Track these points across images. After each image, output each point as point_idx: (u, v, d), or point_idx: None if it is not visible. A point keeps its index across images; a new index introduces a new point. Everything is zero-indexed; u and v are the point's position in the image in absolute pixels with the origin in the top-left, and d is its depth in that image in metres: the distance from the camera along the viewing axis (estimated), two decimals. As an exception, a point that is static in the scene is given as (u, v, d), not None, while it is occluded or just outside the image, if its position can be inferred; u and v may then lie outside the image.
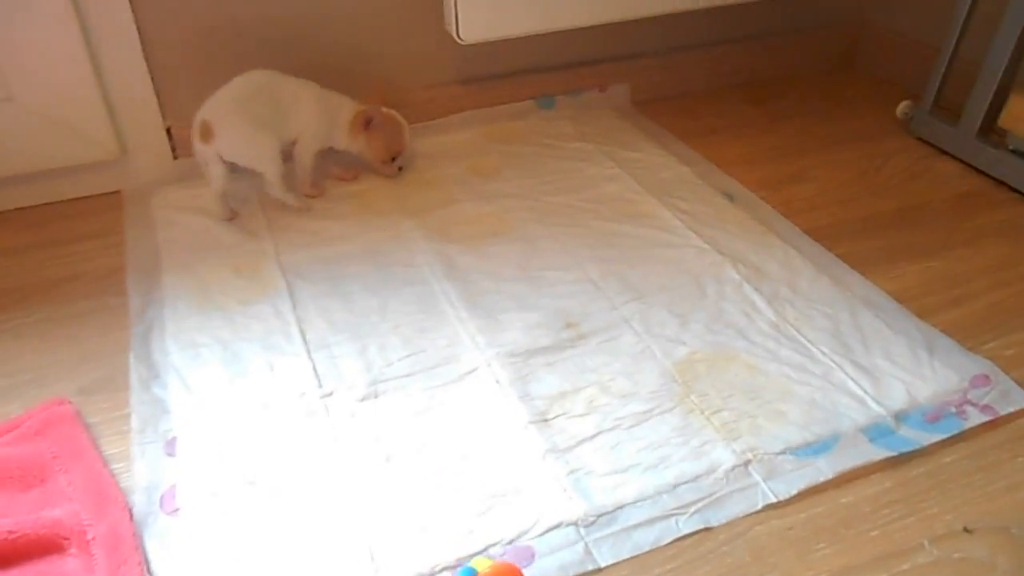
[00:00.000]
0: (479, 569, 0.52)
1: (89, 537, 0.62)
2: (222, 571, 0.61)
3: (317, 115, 1.03)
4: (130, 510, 0.64)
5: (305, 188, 1.06)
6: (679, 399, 0.75)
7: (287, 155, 1.04)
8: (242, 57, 1.06)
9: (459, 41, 1.06)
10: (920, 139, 1.21)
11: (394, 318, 0.86)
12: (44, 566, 0.60)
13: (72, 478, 0.67)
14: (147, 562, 0.61)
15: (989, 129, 1.11)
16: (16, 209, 1.04)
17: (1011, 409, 0.74)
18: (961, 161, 1.15)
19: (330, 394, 0.76)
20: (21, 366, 0.80)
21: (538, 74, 1.25)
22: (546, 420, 0.73)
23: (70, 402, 0.74)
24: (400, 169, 1.10)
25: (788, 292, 0.89)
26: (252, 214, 1.04)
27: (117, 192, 1.08)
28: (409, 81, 1.17)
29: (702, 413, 0.74)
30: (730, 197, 1.07)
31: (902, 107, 1.25)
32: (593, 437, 0.72)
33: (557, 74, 1.26)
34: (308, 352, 0.81)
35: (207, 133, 0.95)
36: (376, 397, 0.76)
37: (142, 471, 0.69)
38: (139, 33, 1.01)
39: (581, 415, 0.74)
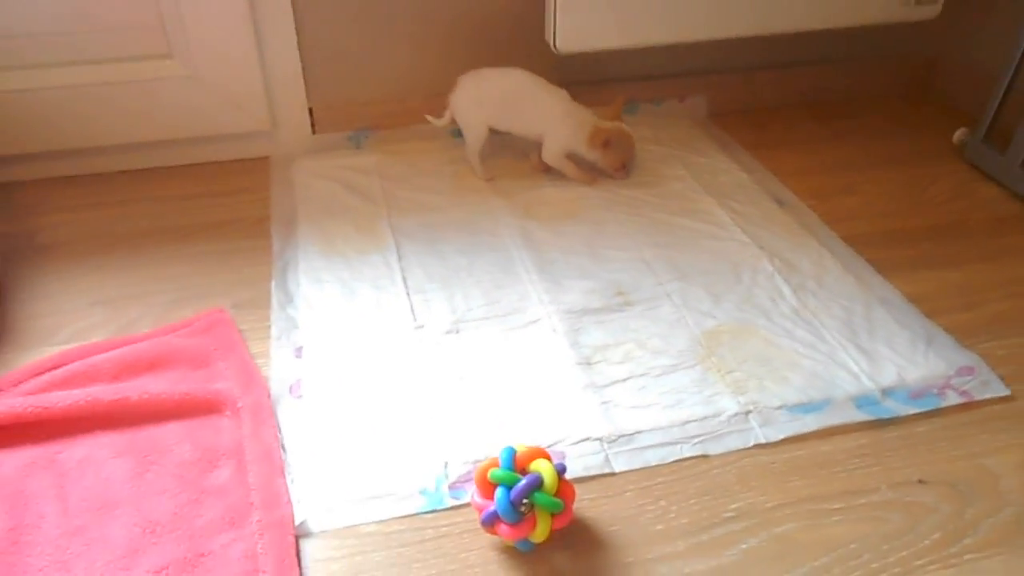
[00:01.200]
0: (518, 449, 0.71)
1: (239, 405, 0.84)
2: (330, 436, 0.81)
3: (562, 125, 1.21)
4: (269, 391, 0.86)
5: (577, 178, 1.25)
6: (701, 359, 0.92)
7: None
8: (375, 52, 1.29)
9: (556, 51, 1.24)
10: (972, 165, 1.31)
11: (478, 275, 1.05)
12: (208, 421, 0.83)
13: (228, 365, 0.90)
14: (279, 426, 0.82)
15: (1033, 160, 1.21)
16: (192, 164, 1.29)
17: (988, 396, 0.87)
18: (1005, 187, 1.25)
19: (422, 327, 0.96)
20: (192, 283, 1.03)
21: (625, 83, 1.42)
22: (589, 363, 0.91)
23: (227, 312, 0.97)
24: (627, 173, 1.27)
25: (814, 285, 1.03)
26: (371, 184, 1.25)
27: (266, 157, 1.32)
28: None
29: (718, 371, 0.90)
30: (780, 203, 1.21)
31: (958, 134, 1.35)
32: (625, 380, 0.89)
33: (642, 84, 1.43)
34: (407, 294, 1.01)
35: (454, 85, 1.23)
36: (458, 332, 0.95)
37: (277, 367, 0.90)
38: (296, 29, 1.24)
39: (618, 363, 0.91)
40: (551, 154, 1.24)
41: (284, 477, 0.77)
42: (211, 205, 1.20)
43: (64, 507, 0.74)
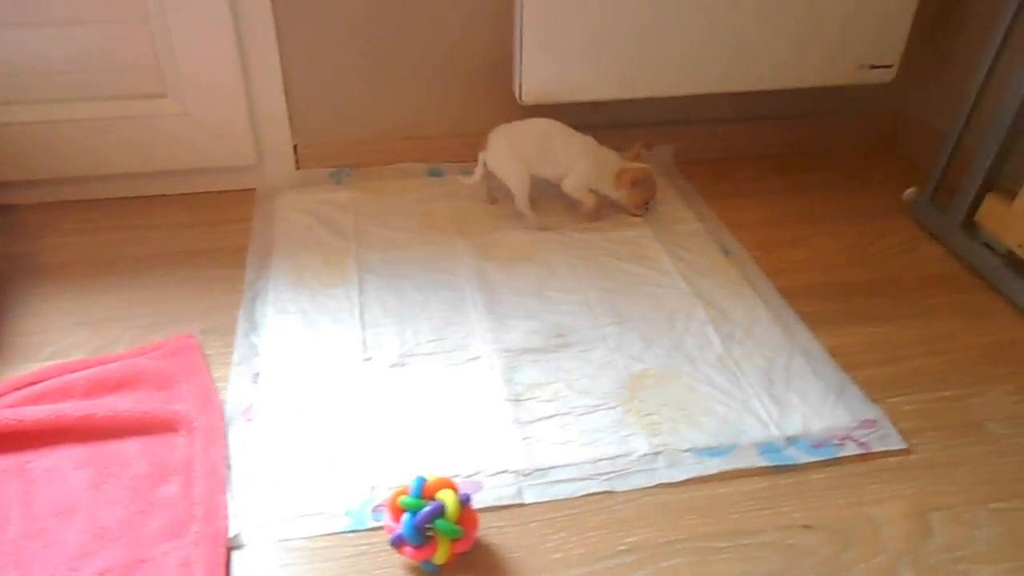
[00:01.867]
0: (428, 479, 0.79)
1: (195, 426, 0.92)
2: (273, 458, 0.90)
3: (587, 164, 1.32)
4: (223, 413, 0.95)
5: (584, 218, 1.34)
6: (623, 401, 0.99)
7: (548, 186, 1.36)
8: (357, 95, 1.38)
9: (520, 102, 1.33)
10: (919, 223, 1.37)
11: (430, 312, 1.13)
12: (164, 439, 0.91)
13: (190, 387, 0.98)
14: (228, 447, 0.91)
15: (970, 221, 1.27)
16: (183, 194, 1.39)
17: (884, 449, 0.93)
18: (947, 247, 1.31)
19: (370, 359, 1.04)
20: (169, 308, 1.13)
21: (593, 130, 1.49)
22: (519, 400, 0.98)
23: (195, 337, 1.06)
24: (647, 210, 1.37)
25: (742, 335, 1.10)
26: (345, 220, 1.34)
27: (253, 190, 1.42)
28: (484, 126, 1.44)
29: (637, 414, 0.97)
30: (727, 252, 1.28)
31: (908, 192, 1.41)
32: (550, 417, 0.96)
33: (610, 132, 1.50)
34: (362, 327, 1.10)
35: (485, 144, 1.30)
36: (403, 366, 1.04)
37: (234, 391, 0.99)
38: (282, 72, 1.34)
39: (546, 401, 0.98)
40: (573, 186, 1.33)
41: (225, 493, 0.85)
42: (197, 234, 1.30)
43: (28, 512, 0.83)
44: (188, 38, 1.26)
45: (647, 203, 1.36)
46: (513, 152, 1.31)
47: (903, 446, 0.94)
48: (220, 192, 1.41)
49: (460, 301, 1.15)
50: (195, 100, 1.31)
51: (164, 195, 1.39)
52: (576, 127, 1.48)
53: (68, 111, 1.28)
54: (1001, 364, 1.07)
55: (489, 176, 1.34)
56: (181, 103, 1.31)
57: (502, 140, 1.31)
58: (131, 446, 0.90)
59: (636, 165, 1.33)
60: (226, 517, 0.82)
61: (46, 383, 0.97)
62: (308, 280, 1.19)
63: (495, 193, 1.39)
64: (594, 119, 1.49)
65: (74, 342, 1.06)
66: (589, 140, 1.33)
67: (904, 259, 1.29)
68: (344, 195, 1.40)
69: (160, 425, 0.93)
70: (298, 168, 1.43)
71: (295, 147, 1.41)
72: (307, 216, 1.35)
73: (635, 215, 1.37)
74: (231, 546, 0.80)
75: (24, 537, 0.80)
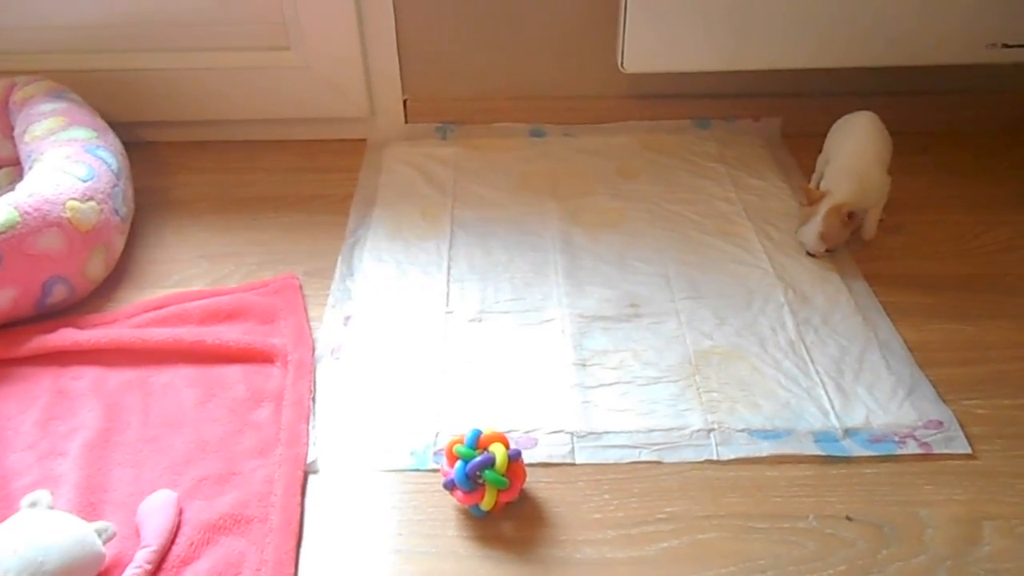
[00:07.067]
0: (483, 431, 0.85)
1: (289, 359, 1.03)
2: (353, 395, 0.99)
3: None
4: (314, 350, 1.05)
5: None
6: (686, 376, 1.02)
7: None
8: (465, 54, 1.43)
9: (622, 70, 1.34)
10: (1039, 217, 1.29)
11: (513, 272, 1.18)
12: (262, 368, 1.02)
13: (288, 324, 1.09)
14: (315, 381, 1.01)
15: (1093, 222, 1.19)
16: (301, 140, 1.49)
17: (947, 451, 0.92)
18: (1068, 246, 1.23)
19: (451, 312, 1.11)
20: (278, 248, 1.24)
21: (700, 99, 1.48)
22: (585, 365, 1.03)
23: (298, 278, 1.17)
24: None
25: (819, 321, 1.09)
26: (446, 175, 1.40)
27: (364, 140, 1.50)
28: (587, 90, 1.46)
29: (697, 390, 1.00)
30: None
31: (1032, 182, 1.33)
32: (611, 384, 1.00)
33: (717, 101, 1.49)
34: (448, 281, 1.17)
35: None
36: (480, 321, 1.10)
37: (326, 331, 1.09)
38: (396, 31, 1.40)
39: (611, 368, 1.03)
40: None
41: (308, 423, 0.95)
42: (310, 180, 1.40)
43: (145, 420, 0.96)
44: (311, -5, 1.34)
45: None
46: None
47: (967, 451, 0.92)
48: (334, 141, 1.50)
49: (543, 263, 1.20)
50: (315, 54, 1.40)
51: (283, 140, 1.50)
52: (678, 96, 1.48)
53: (202, 59, 1.40)
54: (1098, 377, 1.02)
55: None
56: (302, 56, 1.40)
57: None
58: (234, 372, 1.02)
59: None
60: (306, 444, 0.93)
61: (169, 308, 1.10)
62: (405, 231, 1.27)
63: None
64: (700, 87, 1.48)
65: (195, 272, 1.19)
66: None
67: (1014, 254, 1.22)
68: (448, 151, 1.46)
69: (260, 356, 1.03)
70: (407, 122, 1.50)
71: (405, 102, 1.48)
72: (411, 169, 1.42)
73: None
74: (308, 470, 0.90)
75: (141, 441, 0.93)
